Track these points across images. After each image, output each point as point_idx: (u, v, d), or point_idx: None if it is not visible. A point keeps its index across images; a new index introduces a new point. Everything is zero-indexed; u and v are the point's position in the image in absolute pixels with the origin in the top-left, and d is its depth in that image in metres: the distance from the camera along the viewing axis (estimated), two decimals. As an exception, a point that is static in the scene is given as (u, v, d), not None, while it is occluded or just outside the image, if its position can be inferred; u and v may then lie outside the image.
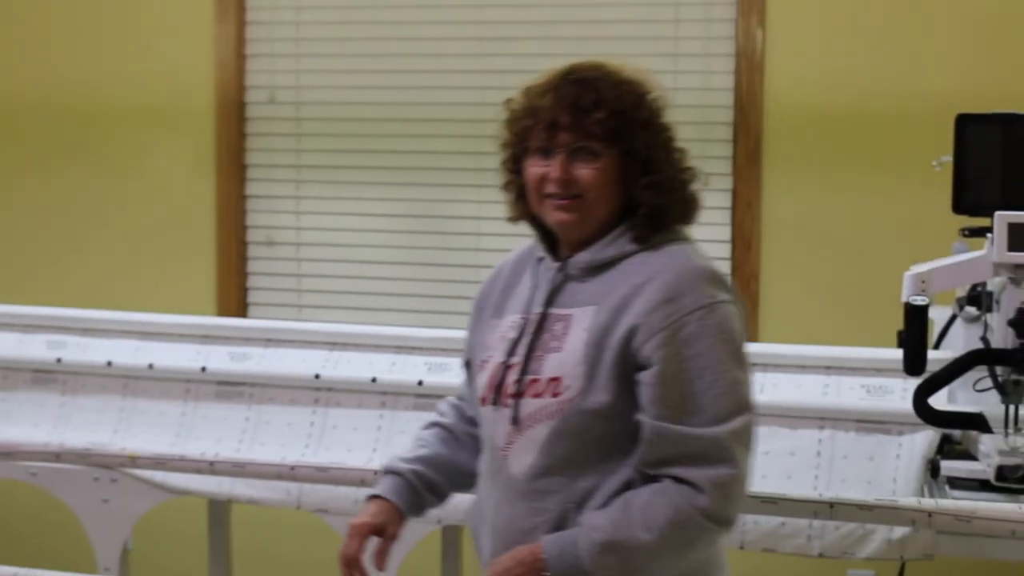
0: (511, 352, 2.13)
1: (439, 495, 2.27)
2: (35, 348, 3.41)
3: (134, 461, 2.85)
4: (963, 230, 2.75)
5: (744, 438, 2.01)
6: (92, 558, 3.06)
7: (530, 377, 2.09)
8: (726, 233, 3.80)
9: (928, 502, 2.46)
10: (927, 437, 2.80)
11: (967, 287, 2.84)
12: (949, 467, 2.70)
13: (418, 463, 2.26)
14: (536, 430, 2.07)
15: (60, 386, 3.34)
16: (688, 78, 3.80)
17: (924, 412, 2.57)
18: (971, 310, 2.85)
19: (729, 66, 3.77)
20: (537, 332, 2.12)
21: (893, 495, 2.68)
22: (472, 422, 2.26)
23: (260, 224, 4.14)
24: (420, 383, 3.08)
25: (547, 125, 2.10)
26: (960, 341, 2.90)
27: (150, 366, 3.26)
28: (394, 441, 3.05)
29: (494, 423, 2.14)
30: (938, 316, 3.00)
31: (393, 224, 4.06)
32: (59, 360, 3.34)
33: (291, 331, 3.32)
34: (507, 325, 2.18)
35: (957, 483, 2.65)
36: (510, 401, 2.10)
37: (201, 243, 4.14)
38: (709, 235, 3.79)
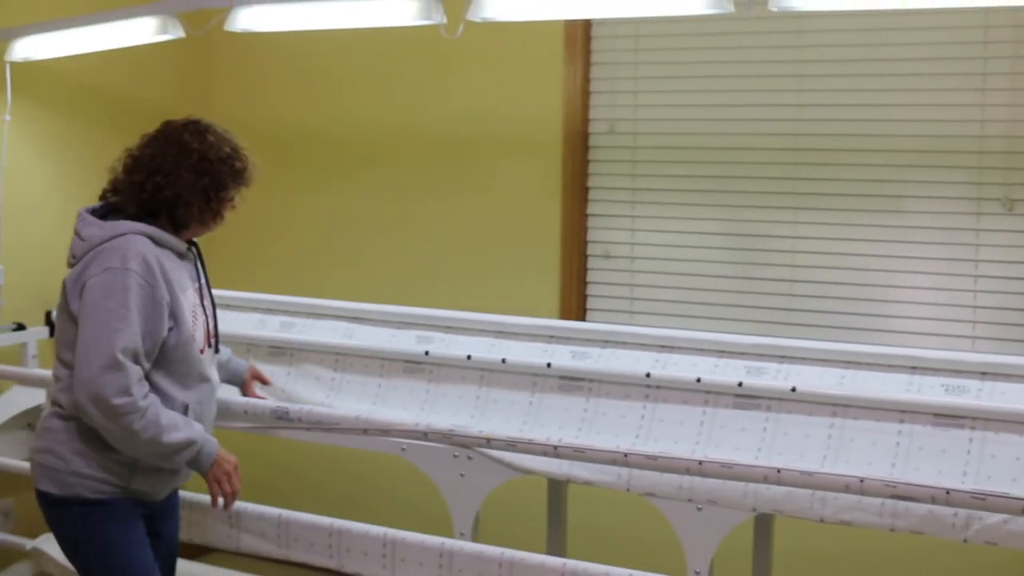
0: (204, 308, 2.90)
1: None
2: (407, 342, 3.52)
3: (489, 442, 2.89)
4: None
5: None
6: (450, 524, 3.15)
7: (216, 324, 2.97)
8: (1037, 255, 3.60)
9: None
10: None
11: None
12: None
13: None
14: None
15: (427, 375, 3.44)
16: (996, 111, 3.60)
17: None
18: None
19: (1038, 98, 3.56)
20: (210, 296, 2.96)
21: None
22: None
23: (599, 239, 4.17)
24: (740, 384, 3.02)
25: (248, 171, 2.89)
26: None
27: (503, 360, 3.32)
28: (715, 435, 3.01)
29: (208, 358, 2.91)
30: None
31: (717, 241, 4.01)
32: (427, 353, 3.44)
33: (625, 334, 3.32)
34: (191, 296, 2.85)
35: None
36: (213, 340, 2.94)
37: (547, 255, 4.20)
38: (1019, 257, 3.60)
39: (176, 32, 3.54)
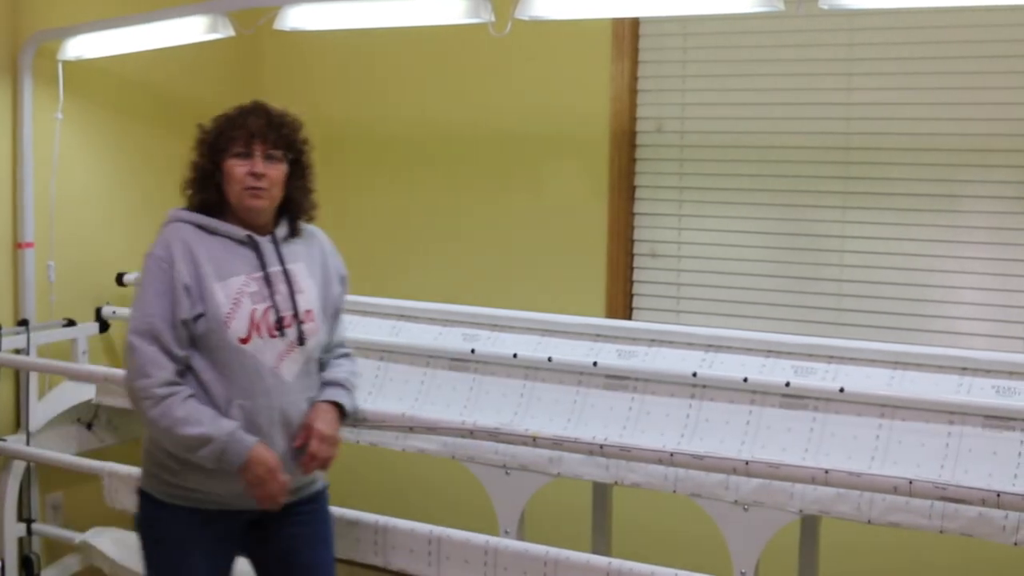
0: (266, 298, 2.73)
1: None
2: (453, 340, 3.52)
3: (535, 441, 2.89)
4: None
5: None
6: (495, 522, 3.15)
7: (304, 309, 2.77)
8: None
9: None
10: None
11: None
12: None
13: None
14: (308, 345, 2.77)
15: (473, 373, 3.45)
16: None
17: None
18: None
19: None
20: (287, 282, 2.77)
21: None
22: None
23: (645, 238, 4.16)
24: (787, 384, 3.00)
25: (248, 136, 2.71)
26: None
27: (549, 359, 3.32)
28: (762, 436, 2.99)
29: (261, 350, 2.69)
30: None
31: (764, 240, 3.98)
32: (473, 351, 3.43)
33: (672, 333, 3.30)
34: (239, 282, 2.71)
35: None
36: (288, 330, 2.74)
37: (594, 254, 4.19)
38: None
39: (226, 31, 3.57)
